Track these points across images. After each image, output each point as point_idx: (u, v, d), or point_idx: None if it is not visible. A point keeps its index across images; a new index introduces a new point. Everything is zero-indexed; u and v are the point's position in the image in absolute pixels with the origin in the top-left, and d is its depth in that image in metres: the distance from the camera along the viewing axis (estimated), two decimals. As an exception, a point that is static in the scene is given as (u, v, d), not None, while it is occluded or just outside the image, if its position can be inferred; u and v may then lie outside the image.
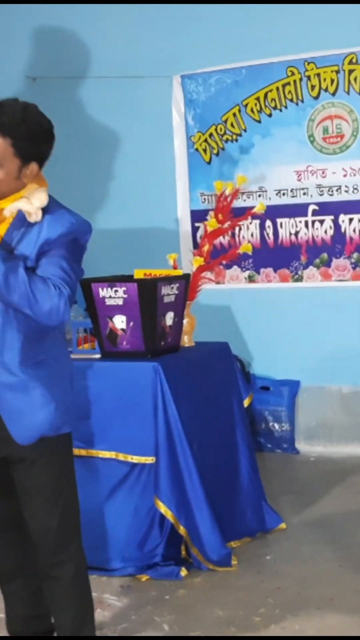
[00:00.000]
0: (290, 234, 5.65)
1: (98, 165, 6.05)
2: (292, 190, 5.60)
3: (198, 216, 5.80)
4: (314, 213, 5.56)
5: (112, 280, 3.88)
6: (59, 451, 2.79)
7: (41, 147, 2.70)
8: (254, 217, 5.27)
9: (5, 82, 5.80)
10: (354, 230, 5.48)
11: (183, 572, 3.78)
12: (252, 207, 4.56)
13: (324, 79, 5.44)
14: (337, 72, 5.41)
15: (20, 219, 2.66)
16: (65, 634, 2.86)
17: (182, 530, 3.79)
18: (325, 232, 5.55)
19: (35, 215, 2.66)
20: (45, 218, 2.67)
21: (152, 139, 5.98)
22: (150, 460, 3.79)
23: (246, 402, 4.37)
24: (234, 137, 5.75)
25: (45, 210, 2.68)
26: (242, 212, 4.70)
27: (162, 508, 3.76)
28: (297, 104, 5.54)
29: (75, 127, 5.97)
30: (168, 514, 3.76)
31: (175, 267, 4.33)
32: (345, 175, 5.46)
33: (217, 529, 3.83)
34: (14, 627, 3.02)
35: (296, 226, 5.62)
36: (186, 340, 4.24)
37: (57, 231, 2.66)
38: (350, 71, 5.38)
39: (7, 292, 2.55)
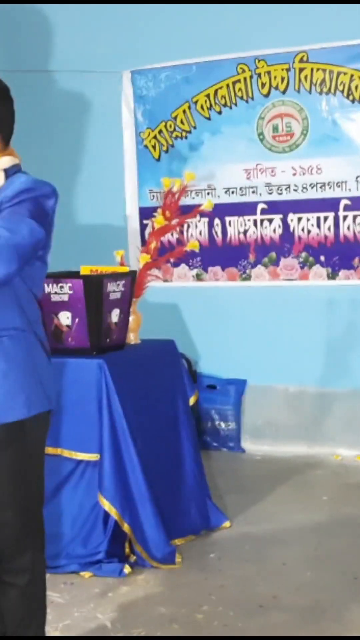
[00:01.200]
0: (239, 232, 5.66)
1: (46, 160, 5.98)
2: (241, 189, 5.61)
3: (146, 213, 5.77)
4: (263, 212, 5.58)
5: (58, 276, 3.85)
6: (13, 444, 2.64)
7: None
8: (202, 214, 5.27)
9: None
10: (303, 230, 5.50)
11: (127, 569, 3.77)
12: (201, 205, 4.55)
13: (275, 77, 5.46)
14: (288, 70, 5.43)
15: None
16: (9, 635, 2.81)
17: (126, 527, 3.77)
18: (274, 231, 5.57)
19: None
20: (6, 182, 2.60)
21: (101, 134, 5.95)
22: (94, 457, 3.77)
23: (192, 401, 4.36)
24: (184, 134, 5.74)
25: (7, 176, 2.61)
26: (191, 210, 4.68)
27: (106, 505, 3.74)
28: (247, 101, 5.55)
29: (22, 121, 5.85)
30: (112, 511, 3.74)
31: (122, 264, 4.30)
32: (294, 174, 5.47)
33: (161, 526, 3.82)
34: None
35: (245, 225, 5.63)
36: (132, 338, 4.23)
37: (15, 188, 2.57)
38: (301, 69, 5.40)
39: None
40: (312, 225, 5.47)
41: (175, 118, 5.74)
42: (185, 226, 5.69)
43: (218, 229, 5.71)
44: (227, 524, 4.30)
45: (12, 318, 2.62)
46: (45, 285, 3.82)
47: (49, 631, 3.09)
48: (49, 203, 2.64)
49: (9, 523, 2.70)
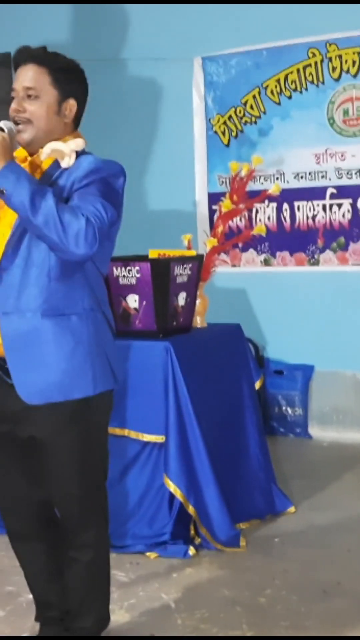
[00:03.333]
0: (308, 217, 5.62)
1: (117, 146, 6.01)
2: (310, 174, 5.57)
3: (215, 199, 5.77)
4: (332, 196, 5.53)
5: (126, 260, 3.89)
6: (78, 422, 2.68)
7: (76, 83, 2.70)
8: (271, 199, 5.25)
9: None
10: (373, 215, 5.45)
11: (191, 551, 3.79)
12: (268, 190, 4.53)
13: (346, 61, 5.39)
14: (359, 53, 5.35)
15: (54, 167, 2.63)
16: (73, 610, 2.88)
17: (191, 509, 3.80)
18: (343, 215, 5.51)
19: (68, 159, 2.62)
20: (75, 162, 2.63)
21: (172, 121, 5.98)
22: (160, 439, 3.80)
23: (257, 385, 4.37)
24: (253, 119, 5.72)
25: (77, 156, 2.65)
26: (259, 195, 4.67)
27: (172, 487, 3.77)
28: (317, 85, 5.50)
29: (95, 108, 5.86)
30: (177, 493, 3.77)
31: (189, 248, 4.32)
32: (365, 159, 5.42)
33: (226, 509, 3.84)
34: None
35: (314, 210, 5.59)
36: (198, 321, 4.25)
37: (85, 169, 2.60)
38: (373, 52, 5.34)
39: (33, 213, 2.45)
40: (383, 210, 5.42)
41: (245, 104, 5.73)
42: (254, 211, 5.68)
43: (286, 213, 5.69)
44: (292, 509, 4.30)
45: (81, 298, 2.66)
46: (114, 269, 3.87)
47: (114, 609, 3.14)
48: (118, 182, 2.66)
49: (74, 499, 2.75)
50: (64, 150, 2.64)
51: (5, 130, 2.60)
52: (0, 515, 2.97)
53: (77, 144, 2.67)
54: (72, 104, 2.70)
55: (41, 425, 2.68)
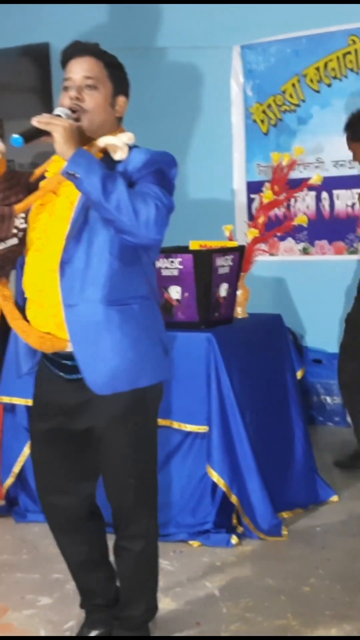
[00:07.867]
0: (347, 205, 5.60)
1: (156, 136, 6.00)
2: (350, 162, 5.53)
3: (254, 188, 5.77)
4: (372, 185, 5.51)
5: (168, 251, 3.91)
6: (136, 411, 2.72)
7: (124, 81, 2.78)
8: (310, 188, 5.23)
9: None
10: None
11: (234, 540, 3.82)
12: (309, 179, 4.52)
13: (386, 48, 5.36)
14: None
15: (106, 161, 2.66)
16: (123, 598, 2.94)
17: (233, 498, 3.82)
18: (383, 204, 5.49)
19: (121, 152, 2.67)
20: (129, 153, 2.68)
21: (210, 109, 5.96)
22: (203, 429, 3.83)
23: (299, 375, 4.38)
24: (293, 107, 5.70)
25: (130, 149, 2.71)
26: (299, 184, 4.64)
27: (215, 476, 3.80)
28: (357, 73, 5.45)
29: (134, 97, 5.92)
30: (220, 482, 3.80)
31: (231, 239, 4.33)
32: None
33: (268, 498, 3.86)
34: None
35: (353, 198, 5.57)
36: (240, 312, 4.26)
37: (141, 159, 2.65)
38: None
39: (105, 197, 2.48)
40: None
41: (284, 92, 5.71)
42: (292, 200, 5.66)
43: (325, 202, 5.67)
44: (334, 498, 4.31)
45: (139, 287, 2.71)
46: (156, 260, 3.88)
47: (160, 598, 3.16)
48: (172, 172, 2.72)
49: (130, 488, 2.79)
50: (117, 144, 2.68)
51: (63, 117, 2.62)
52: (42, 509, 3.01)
53: (129, 137, 2.73)
54: (122, 99, 2.77)
55: (100, 416, 2.72)
